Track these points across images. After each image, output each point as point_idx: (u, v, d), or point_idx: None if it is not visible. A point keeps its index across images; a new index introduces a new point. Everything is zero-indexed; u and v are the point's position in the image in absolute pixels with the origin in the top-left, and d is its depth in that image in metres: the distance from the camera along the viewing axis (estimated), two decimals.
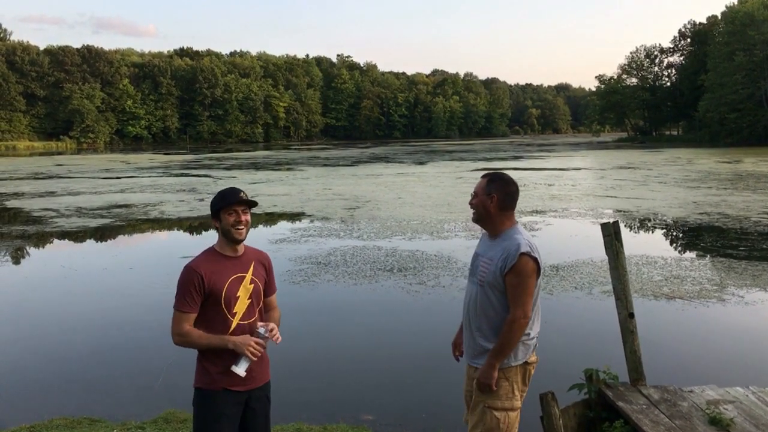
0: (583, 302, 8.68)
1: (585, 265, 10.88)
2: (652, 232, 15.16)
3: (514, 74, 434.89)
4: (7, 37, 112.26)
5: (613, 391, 4.38)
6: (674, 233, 14.94)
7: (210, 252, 3.05)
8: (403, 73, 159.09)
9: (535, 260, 3.09)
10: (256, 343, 2.92)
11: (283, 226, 16.49)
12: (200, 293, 2.91)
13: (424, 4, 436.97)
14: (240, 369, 2.89)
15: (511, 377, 3.17)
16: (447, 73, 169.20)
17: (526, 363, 3.21)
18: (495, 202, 3.24)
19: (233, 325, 2.99)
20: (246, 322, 3.02)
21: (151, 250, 14.29)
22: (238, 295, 2.99)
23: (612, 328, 6.54)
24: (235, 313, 2.99)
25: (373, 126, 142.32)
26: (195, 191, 25.74)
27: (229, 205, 3.02)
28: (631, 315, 4.48)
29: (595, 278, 9.93)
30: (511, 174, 3.45)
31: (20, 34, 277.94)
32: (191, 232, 16.35)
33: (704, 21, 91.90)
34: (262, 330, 2.96)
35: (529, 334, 3.18)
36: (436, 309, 8.65)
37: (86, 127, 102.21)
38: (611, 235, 4.43)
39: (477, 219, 3.38)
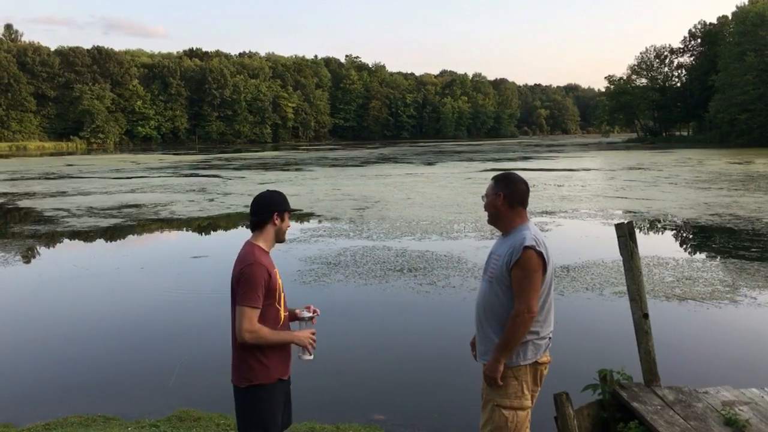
0: (594, 303, 8.65)
1: (596, 266, 10.84)
2: (663, 233, 15.09)
3: (523, 75, 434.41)
4: (18, 38, 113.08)
5: (627, 391, 4.37)
6: (685, 234, 14.87)
7: (258, 248, 3.11)
8: (412, 74, 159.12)
9: (540, 254, 3.09)
10: (312, 333, 3.17)
11: (293, 226, 16.51)
12: (265, 289, 2.99)
13: (433, 5, 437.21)
14: (308, 356, 3.14)
15: (521, 376, 3.17)
16: (456, 73, 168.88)
17: (536, 363, 3.20)
18: (502, 199, 3.27)
19: (282, 318, 3.16)
20: (286, 313, 3.23)
21: (162, 249, 14.35)
22: (282, 288, 3.17)
23: (624, 328, 6.52)
24: (281, 306, 3.15)
25: (381, 126, 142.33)
26: (205, 191, 25.84)
27: (290, 210, 3.26)
28: (646, 315, 4.46)
29: (606, 279, 9.90)
30: (521, 174, 3.46)
31: (31, 34, 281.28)
32: (201, 232, 16.41)
33: (715, 21, 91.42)
34: (306, 314, 3.22)
35: (538, 332, 3.17)
36: (446, 309, 8.65)
37: (96, 127, 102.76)
38: (625, 235, 4.42)
39: (490, 220, 3.41)
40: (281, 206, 3.17)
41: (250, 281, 2.95)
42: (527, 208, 3.36)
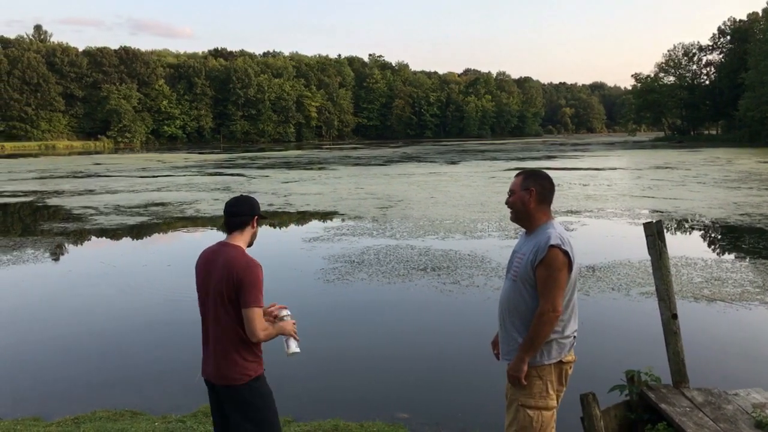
0: (621, 303, 8.55)
1: (622, 266, 10.71)
2: (691, 233, 14.86)
3: (547, 73, 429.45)
4: (48, 38, 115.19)
5: (655, 392, 4.31)
6: (714, 234, 14.62)
7: (244, 250, 3.19)
8: (435, 73, 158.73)
9: (566, 253, 3.04)
10: (293, 324, 3.24)
11: (316, 224, 16.58)
12: None
13: (457, 3, 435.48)
14: (296, 347, 3.20)
15: (545, 376, 3.14)
16: (479, 72, 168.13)
17: (561, 362, 3.16)
18: (534, 195, 3.22)
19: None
20: None
21: (187, 247, 14.48)
22: None
23: (651, 329, 6.44)
24: None
25: (404, 125, 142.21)
26: (229, 190, 26.05)
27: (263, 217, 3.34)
28: (675, 316, 4.39)
29: (632, 279, 9.77)
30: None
31: (60, 35, 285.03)
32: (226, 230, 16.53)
33: (744, 18, 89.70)
34: (284, 312, 3.26)
35: (563, 332, 3.13)
36: (470, 309, 8.61)
37: (123, 126, 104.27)
38: (654, 234, 4.36)
39: (515, 218, 3.35)
40: (259, 211, 3.23)
41: (255, 283, 2.99)
42: (551, 205, 3.33)
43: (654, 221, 4.41)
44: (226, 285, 2.99)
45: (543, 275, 3.05)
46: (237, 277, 2.97)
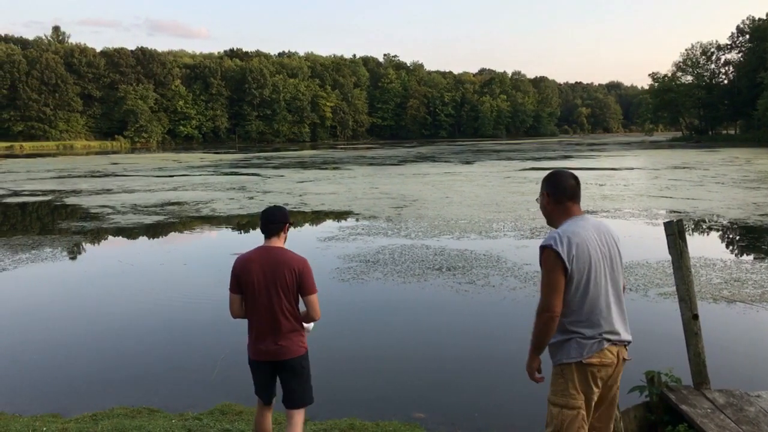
0: (639, 304, 8.46)
1: (639, 266, 10.60)
2: (710, 233, 14.70)
3: (563, 72, 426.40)
4: (66, 39, 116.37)
5: (675, 394, 4.25)
6: (733, 235, 14.44)
7: None
8: (450, 72, 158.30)
9: (557, 254, 3.03)
10: None
11: (331, 224, 16.60)
12: None
13: (472, 3, 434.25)
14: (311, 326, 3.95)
15: (566, 374, 3.11)
16: (494, 72, 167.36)
17: (583, 363, 3.10)
18: (547, 197, 3.28)
19: None
20: None
21: (204, 246, 14.58)
22: None
23: (671, 330, 6.37)
24: None
25: (419, 125, 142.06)
26: (245, 189, 26.16)
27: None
28: (696, 316, 4.33)
29: (650, 280, 9.67)
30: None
31: (78, 36, 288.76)
32: (241, 230, 16.61)
33: (764, 17, 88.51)
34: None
35: (583, 333, 3.08)
36: (485, 309, 8.58)
37: (140, 127, 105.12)
38: (675, 234, 4.30)
39: (547, 222, 3.39)
40: (290, 219, 3.87)
41: (311, 274, 3.73)
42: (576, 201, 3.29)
43: (675, 220, 4.36)
44: (289, 278, 3.64)
45: (541, 275, 3.11)
46: (298, 271, 3.65)
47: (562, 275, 3.04)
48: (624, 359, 3.20)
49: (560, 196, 3.24)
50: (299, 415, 3.79)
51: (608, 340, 3.13)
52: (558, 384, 3.14)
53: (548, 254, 3.06)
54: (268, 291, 3.63)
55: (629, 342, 3.22)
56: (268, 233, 3.75)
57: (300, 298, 3.73)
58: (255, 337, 3.73)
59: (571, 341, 3.10)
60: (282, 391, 3.80)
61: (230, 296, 3.74)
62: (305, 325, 3.81)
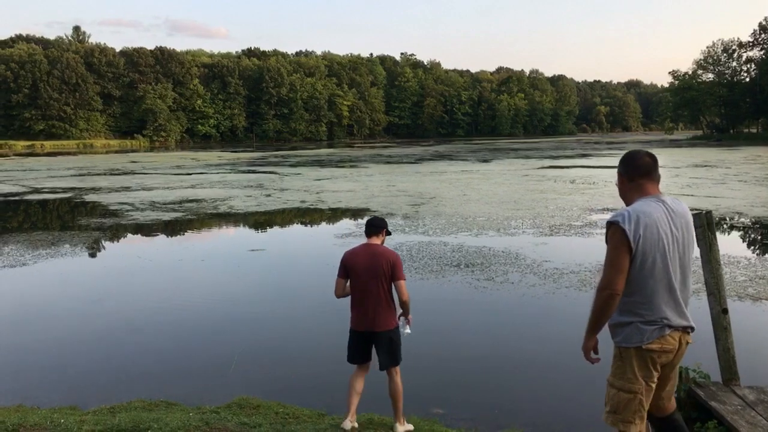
0: None
1: None
2: (733, 231, 14.44)
3: (581, 71, 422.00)
4: (86, 39, 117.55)
5: (704, 390, 4.13)
6: (757, 233, 14.17)
7: None
8: (467, 71, 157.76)
9: (623, 231, 2.93)
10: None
11: (349, 221, 16.56)
12: None
13: (490, 1, 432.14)
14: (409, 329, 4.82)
15: (625, 358, 3.03)
16: (512, 70, 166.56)
17: (642, 348, 2.99)
18: (621, 177, 3.27)
19: None
20: None
21: (221, 243, 14.59)
22: None
23: (698, 325, 6.21)
24: None
25: (436, 124, 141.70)
26: (262, 187, 26.22)
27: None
28: (725, 311, 4.21)
29: None
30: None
31: (98, 36, 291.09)
32: (258, 227, 16.62)
33: None
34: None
35: (643, 316, 2.98)
36: (505, 305, 8.47)
37: (158, 125, 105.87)
38: (704, 226, 4.18)
39: (625, 203, 3.30)
40: (388, 227, 4.90)
41: (401, 264, 4.65)
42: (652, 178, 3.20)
43: (704, 212, 4.23)
44: (385, 267, 4.54)
45: (606, 251, 3.02)
46: (392, 262, 4.58)
47: (626, 254, 2.95)
48: (687, 342, 3.10)
49: (633, 174, 3.20)
50: (394, 371, 4.64)
51: (670, 326, 3.01)
52: (617, 366, 3.07)
53: (614, 231, 2.97)
54: (369, 276, 4.54)
55: (693, 328, 3.10)
56: (370, 234, 4.75)
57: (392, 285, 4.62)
58: (357, 311, 4.61)
59: (631, 325, 3.01)
60: (378, 357, 4.61)
61: (337, 280, 4.67)
62: (401, 330, 4.66)
